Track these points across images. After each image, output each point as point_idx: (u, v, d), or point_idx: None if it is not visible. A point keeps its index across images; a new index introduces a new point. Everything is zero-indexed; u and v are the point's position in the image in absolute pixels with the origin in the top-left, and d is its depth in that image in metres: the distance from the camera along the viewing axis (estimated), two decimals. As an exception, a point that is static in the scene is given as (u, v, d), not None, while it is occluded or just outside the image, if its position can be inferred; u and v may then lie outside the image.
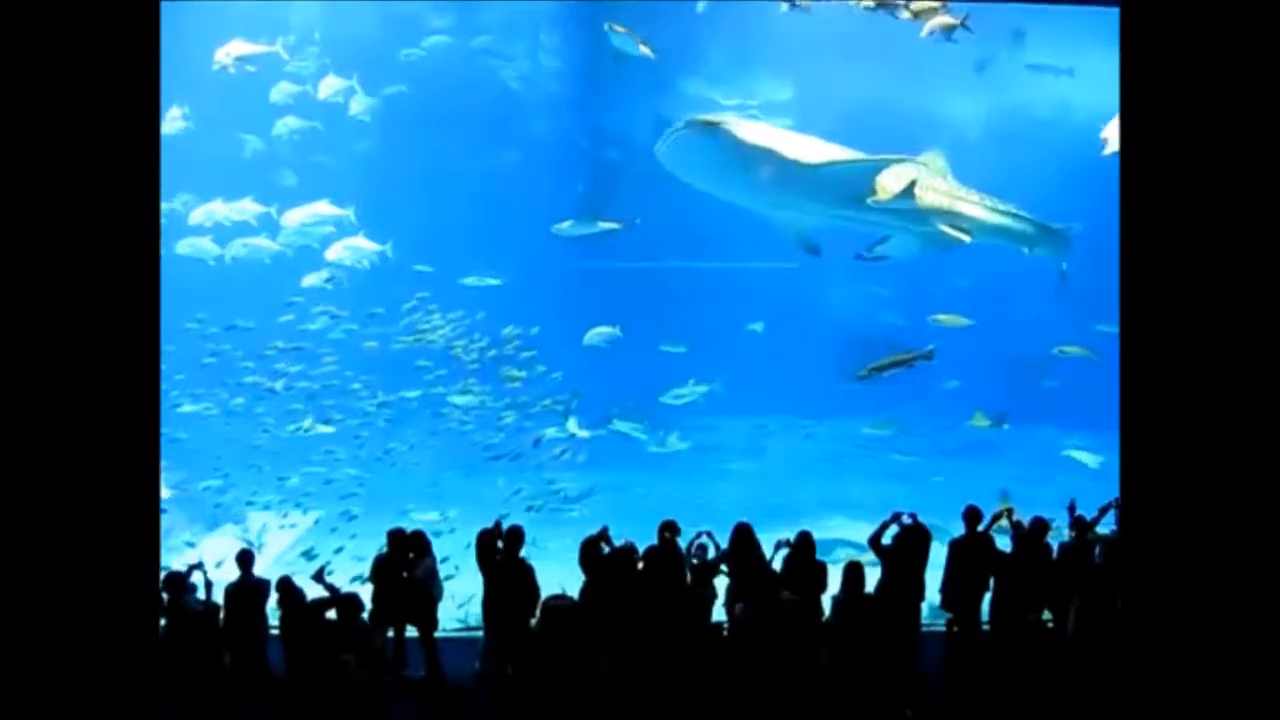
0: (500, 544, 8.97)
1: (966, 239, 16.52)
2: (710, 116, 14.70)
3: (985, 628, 9.43)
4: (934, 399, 20.12)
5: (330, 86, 18.63)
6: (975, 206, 16.99)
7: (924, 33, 14.76)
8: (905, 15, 14.46)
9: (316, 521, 16.88)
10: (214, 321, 18.09)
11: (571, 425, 18.70)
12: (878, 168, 15.44)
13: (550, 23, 21.56)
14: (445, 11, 21.54)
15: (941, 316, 18.44)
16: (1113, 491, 9.73)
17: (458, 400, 18.66)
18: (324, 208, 18.28)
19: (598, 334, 18.17)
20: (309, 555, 13.81)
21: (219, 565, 9.32)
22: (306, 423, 18.15)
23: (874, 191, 15.55)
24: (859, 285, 20.87)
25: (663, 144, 14.62)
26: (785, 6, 14.73)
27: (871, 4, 14.01)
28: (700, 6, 17.60)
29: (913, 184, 15.50)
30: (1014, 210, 17.41)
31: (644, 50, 14.60)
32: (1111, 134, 17.41)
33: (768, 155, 14.76)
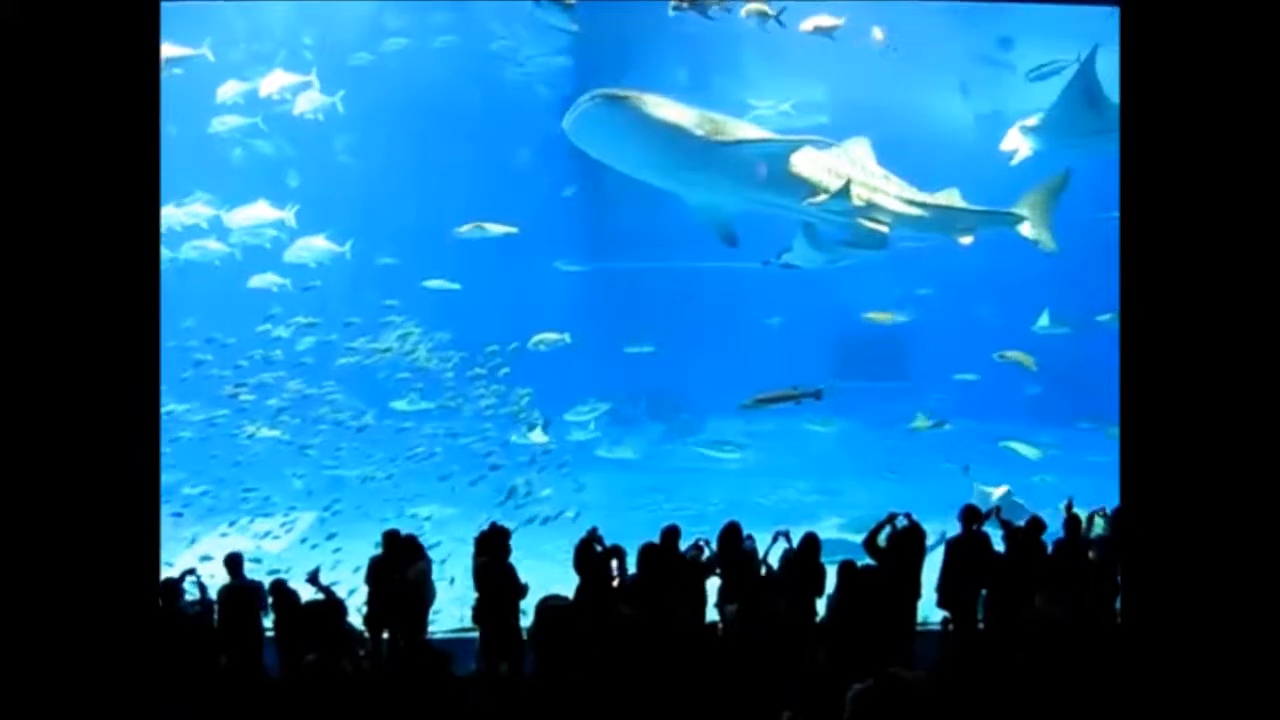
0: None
1: (885, 230, 16.20)
2: (618, 90, 14.33)
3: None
4: (941, 397, 20.11)
5: (277, 83, 18.01)
6: (893, 199, 16.58)
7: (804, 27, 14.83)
8: (744, 12, 14.30)
9: (303, 539, 16.67)
10: (181, 327, 18.00)
11: (536, 436, 18.59)
12: (789, 148, 15.17)
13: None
14: (459, 10, 21.31)
15: (874, 314, 18.48)
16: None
17: (400, 407, 18.58)
18: (264, 209, 18.05)
19: (543, 339, 18.03)
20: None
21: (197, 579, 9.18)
22: (256, 427, 17.98)
23: (787, 173, 15.27)
24: (852, 282, 20.75)
25: (570, 117, 14.21)
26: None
27: (684, 5, 13.78)
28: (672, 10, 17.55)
29: (848, 185, 15.26)
30: (940, 202, 16.98)
31: (572, 26, 14.22)
32: (1013, 143, 17.54)
33: (675, 131, 14.40)
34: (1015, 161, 17.51)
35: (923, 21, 19.18)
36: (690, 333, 20.88)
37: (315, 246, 17.96)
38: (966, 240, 17.20)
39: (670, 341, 20.36)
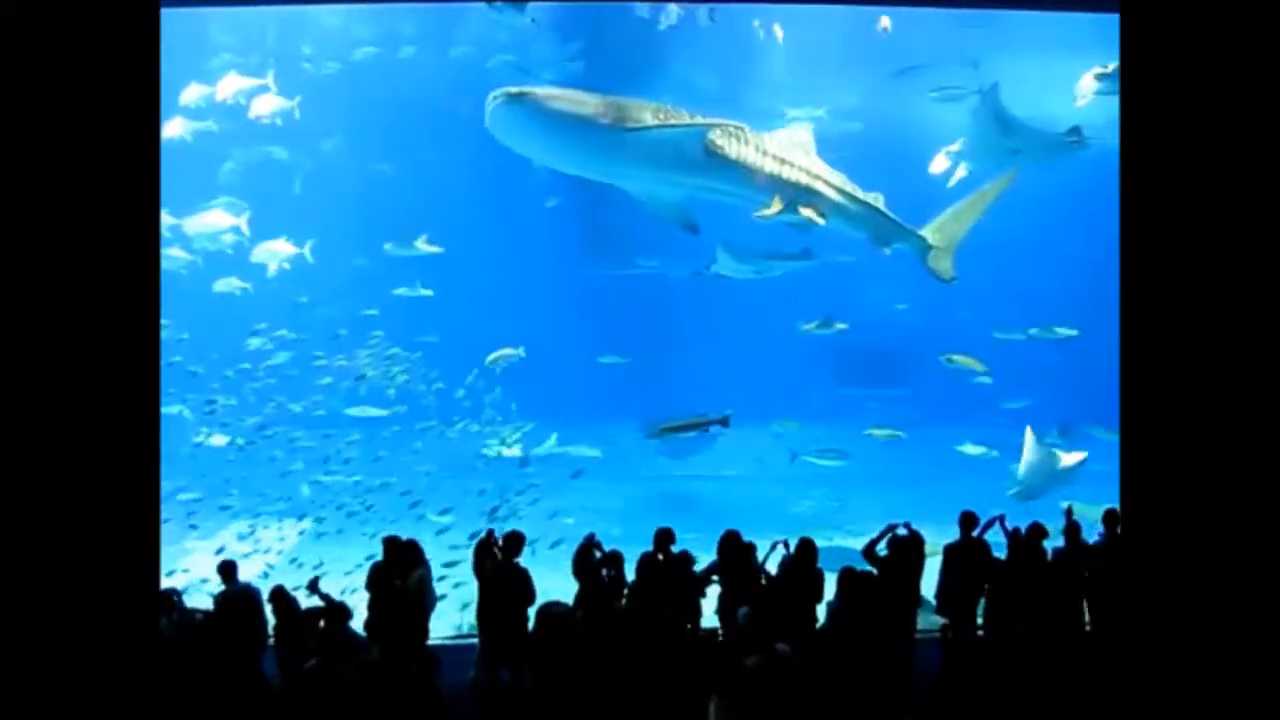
0: (498, 550, 9.06)
1: (821, 222, 16.19)
2: (517, 88, 14.46)
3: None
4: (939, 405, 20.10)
5: (233, 87, 18.07)
6: (832, 190, 16.63)
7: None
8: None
9: (293, 560, 16.55)
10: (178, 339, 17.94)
11: (504, 450, 18.55)
12: (700, 132, 15.17)
13: (585, 27, 21.18)
14: (458, 17, 21.33)
15: (808, 325, 18.58)
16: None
17: (369, 414, 18.56)
18: (221, 215, 18.03)
19: (500, 355, 18.01)
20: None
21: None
22: (204, 435, 17.93)
23: (714, 156, 15.29)
24: (854, 290, 20.72)
25: (486, 115, 14.42)
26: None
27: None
28: (663, 23, 17.56)
29: (795, 204, 15.36)
30: (871, 203, 17.06)
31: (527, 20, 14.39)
32: (941, 165, 17.91)
33: (578, 121, 14.46)
34: (952, 183, 18.21)
35: (951, 27, 19.29)
36: (696, 342, 20.84)
37: (277, 250, 17.99)
38: (886, 251, 17.41)
39: (676, 351, 20.33)
